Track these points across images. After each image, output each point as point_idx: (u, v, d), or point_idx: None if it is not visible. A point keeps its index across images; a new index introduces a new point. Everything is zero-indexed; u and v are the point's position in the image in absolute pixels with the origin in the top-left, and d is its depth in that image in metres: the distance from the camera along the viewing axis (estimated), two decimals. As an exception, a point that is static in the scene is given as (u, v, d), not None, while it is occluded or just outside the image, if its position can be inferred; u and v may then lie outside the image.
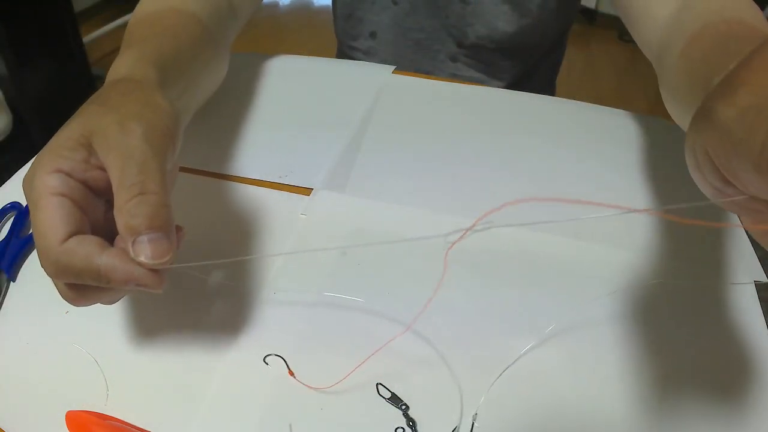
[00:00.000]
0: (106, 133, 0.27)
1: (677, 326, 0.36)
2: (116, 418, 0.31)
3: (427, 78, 0.57)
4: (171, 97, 0.33)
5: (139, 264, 0.26)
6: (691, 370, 0.34)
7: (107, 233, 0.28)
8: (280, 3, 2.57)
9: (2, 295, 0.37)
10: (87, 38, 1.79)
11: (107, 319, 0.35)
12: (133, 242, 0.25)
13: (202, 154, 0.48)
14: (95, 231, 0.28)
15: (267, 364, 0.33)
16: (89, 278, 0.26)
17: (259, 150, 0.48)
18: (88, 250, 0.26)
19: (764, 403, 0.32)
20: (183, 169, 0.46)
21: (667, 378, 0.33)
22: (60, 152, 0.27)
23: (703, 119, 0.22)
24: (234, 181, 0.45)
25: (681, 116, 0.37)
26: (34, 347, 0.34)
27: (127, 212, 0.25)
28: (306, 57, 0.61)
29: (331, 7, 0.72)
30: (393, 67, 0.58)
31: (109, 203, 0.27)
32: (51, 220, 0.25)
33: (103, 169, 0.27)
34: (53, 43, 1.49)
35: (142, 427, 0.30)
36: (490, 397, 0.32)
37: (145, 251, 0.25)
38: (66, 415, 0.30)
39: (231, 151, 0.48)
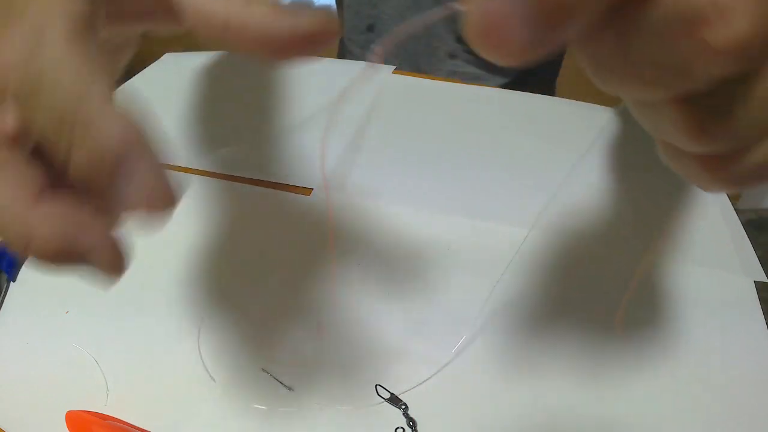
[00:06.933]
0: None
1: (676, 326, 0.36)
2: (116, 418, 0.31)
3: (428, 78, 0.57)
4: None
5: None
6: (690, 370, 0.34)
7: None
8: (280, 3, 2.57)
9: (2, 295, 0.37)
10: (87, 38, 1.78)
11: (107, 319, 0.35)
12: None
13: (201, 154, 0.48)
14: None
15: (267, 372, 0.33)
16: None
17: (259, 150, 0.48)
18: None
19: (764, 404, 0.32)
20: (183, 170, 0.46)
21: (665, 378, 0.33)
22: None
23: None
24: (234, 181, 0.45)
25: None
26: (34, 347, 0.34)
27: None
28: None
29: (330, 8, 0.72)
30: (393, 67, 0.58)
31: None
32: None
33: None
34: (53, 43, 1.48)
35: (142, 427, 0.30)
36: (493, 395, 0.32)
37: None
38: (66, 415, 0.30)
39: (231, 151, 0.48)
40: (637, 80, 0.14)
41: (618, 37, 0.13)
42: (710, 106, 0.14)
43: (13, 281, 0.38)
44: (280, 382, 0.32)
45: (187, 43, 0.50)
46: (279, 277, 0.38)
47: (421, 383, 0.32)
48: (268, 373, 0.32)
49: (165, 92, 0.56)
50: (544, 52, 0.12)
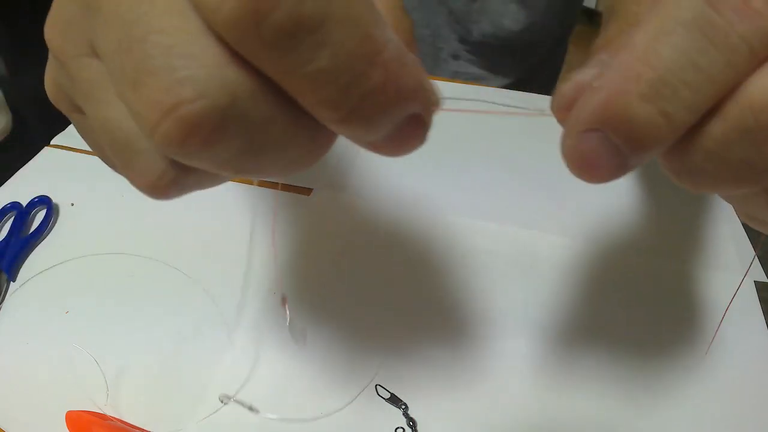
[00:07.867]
0: None
1: (676, 326, 0.36)
2: (116, 418, 0.31)
3: (430, 78, 0.57)
4: None
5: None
6: (690, 370, 0.34)
7: None
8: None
9: (2, 295, 0.37)
10: (87, 38, 1.78)
11: (107, 319, 0.35)
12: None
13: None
14: None
15: (229, 398, 0.33)
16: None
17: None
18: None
19: (765, 404, 0.32)
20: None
21: (664, 378, 0.33)
22: None
23: None
24: (234, 180, 0.45)
25: None
26: (34, 347, 0.34)
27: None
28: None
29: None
30: (393, 68, 0.58)
31: None
32: None
33: None
34: (53, 43, 1.48)
35: (142, 427, 0.30)
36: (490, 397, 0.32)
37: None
38: (66, 415, 0.30)
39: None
40: (731, 181, 0.14)
41: (700, 149, 0.14)
42: None
43: (13, 281, 0.38)
44: (245, 406, 0.30)
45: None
46: (278, 277, 0.38)
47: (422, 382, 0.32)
48: (230, 398, 0.31)
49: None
50: (630, 171, 0.15)
